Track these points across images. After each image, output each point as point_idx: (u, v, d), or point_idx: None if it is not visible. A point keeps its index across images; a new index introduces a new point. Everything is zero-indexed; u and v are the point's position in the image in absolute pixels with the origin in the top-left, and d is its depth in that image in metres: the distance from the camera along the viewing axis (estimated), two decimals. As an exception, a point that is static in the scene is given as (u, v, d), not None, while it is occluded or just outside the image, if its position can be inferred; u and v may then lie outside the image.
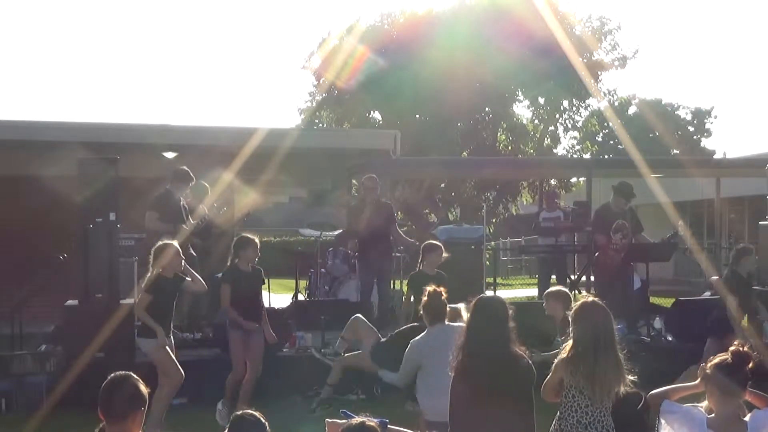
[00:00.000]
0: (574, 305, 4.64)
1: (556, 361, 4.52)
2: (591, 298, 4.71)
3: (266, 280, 8.20)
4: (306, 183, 16.95)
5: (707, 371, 4.01)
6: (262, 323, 7.75)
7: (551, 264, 13.70)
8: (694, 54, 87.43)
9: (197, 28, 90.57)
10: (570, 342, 4.49)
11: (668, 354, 9.33)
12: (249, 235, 7.85)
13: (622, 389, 4.39)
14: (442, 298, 5.84)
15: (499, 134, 26.35)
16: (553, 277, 14.11)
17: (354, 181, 17.08)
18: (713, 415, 3.97)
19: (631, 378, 4.46)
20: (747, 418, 3.95)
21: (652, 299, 11.85)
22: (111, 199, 8.29)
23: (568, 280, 13.09)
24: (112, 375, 3.84)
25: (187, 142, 12.75)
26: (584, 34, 25.63)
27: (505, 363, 4.49)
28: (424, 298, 5.87)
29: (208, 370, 8.57)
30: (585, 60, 24.68)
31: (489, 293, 12.69)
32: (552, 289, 7.68)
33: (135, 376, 3.84)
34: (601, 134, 38.44)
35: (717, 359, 4.04)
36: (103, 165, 8.49)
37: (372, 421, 3.44)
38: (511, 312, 4.64)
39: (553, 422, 4.54)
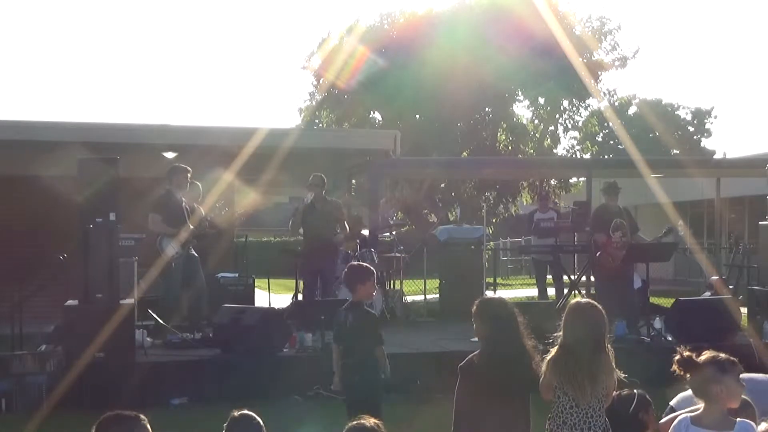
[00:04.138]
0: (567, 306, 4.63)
1: (545, 362, 4.53)
2: (579, 299, 4.71)
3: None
4: (306, 183, 16.93)
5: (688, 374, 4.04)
6: None
7: (547, 264, 13.74)
8: (694, 54, 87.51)
9: (197, 28, 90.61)
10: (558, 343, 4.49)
11: (668, 354, 9.31)
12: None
13: (617, 391, 4.38)
14: None
15: (499, 134, 26.31)
16: (549, 277, 14.15)
17: (353, 181, 17.09)
18: (700, 411, 4.00)
19: (622, 376, 4.45)
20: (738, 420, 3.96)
21: (652, 299, 11.85)
22: (111, 199, 8.28)
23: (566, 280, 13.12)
24: (110, 415, 3.33)
25: (187, 142, 12.74)
26: (584, 34, 25.57)
27: (516, 362, 4.50)
28: None
29: (208, 370, 8.57)
30: (585, 60, 24.62)
31: (489, 293, 12.75)
32: None
33: (138, 417, 3.32)
34: (601, 134, 38.39)
35: (697, 359, 4.09)
36: (103, 165, 8.49)
37: (370, 421, 3.47)
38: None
39: (546, 422, 4.56)
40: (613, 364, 4.43)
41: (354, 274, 6.00)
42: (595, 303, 4.62)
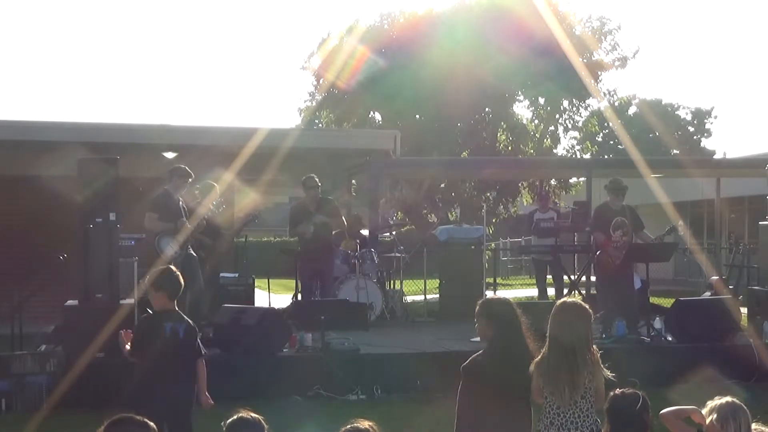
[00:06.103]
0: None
1: (533, 364, 4.52)
2: (566, 299, 4.70)
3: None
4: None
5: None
6: None
7: (547, 264, 13.73)
8: (694, 54, 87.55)
9: (197, 28, 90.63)
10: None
11: (668, 354, 9.33)
12: None
13: (619, 390, 4.38)
14: None
15: (499, 134, 26.30)
16: (549, 277, 14.14)
17: (353, 181, 17.10)
18: None
19: (610, 375, 4.44)
20: None
21: (652, 299, 11.84)
22: (111, 199, 8.28)
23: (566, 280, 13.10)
24: (121, 417, 3.18)
25: (187, 142, 12.74)
26: (584, 34, 25.57)
27: (519, 363, 4.50)
28: None
29: (208, 371, 8.55)
30: (585, 60, 24.62)
31: (489, 293, 12.74)
32: None
33: (146, 422, 3.16)
34: (601, 134, 38.39)
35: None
36: (103, 165, 8.49)
37: (364, 423, 3.51)
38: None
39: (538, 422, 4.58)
40: (600, 363, 4.42)
41: (170, 280, 5.48)
42: (581, 303, 4.60)
